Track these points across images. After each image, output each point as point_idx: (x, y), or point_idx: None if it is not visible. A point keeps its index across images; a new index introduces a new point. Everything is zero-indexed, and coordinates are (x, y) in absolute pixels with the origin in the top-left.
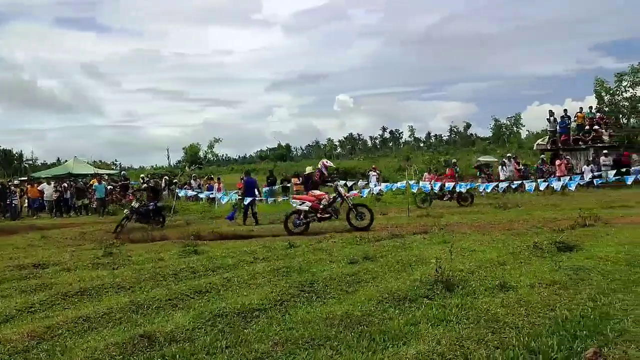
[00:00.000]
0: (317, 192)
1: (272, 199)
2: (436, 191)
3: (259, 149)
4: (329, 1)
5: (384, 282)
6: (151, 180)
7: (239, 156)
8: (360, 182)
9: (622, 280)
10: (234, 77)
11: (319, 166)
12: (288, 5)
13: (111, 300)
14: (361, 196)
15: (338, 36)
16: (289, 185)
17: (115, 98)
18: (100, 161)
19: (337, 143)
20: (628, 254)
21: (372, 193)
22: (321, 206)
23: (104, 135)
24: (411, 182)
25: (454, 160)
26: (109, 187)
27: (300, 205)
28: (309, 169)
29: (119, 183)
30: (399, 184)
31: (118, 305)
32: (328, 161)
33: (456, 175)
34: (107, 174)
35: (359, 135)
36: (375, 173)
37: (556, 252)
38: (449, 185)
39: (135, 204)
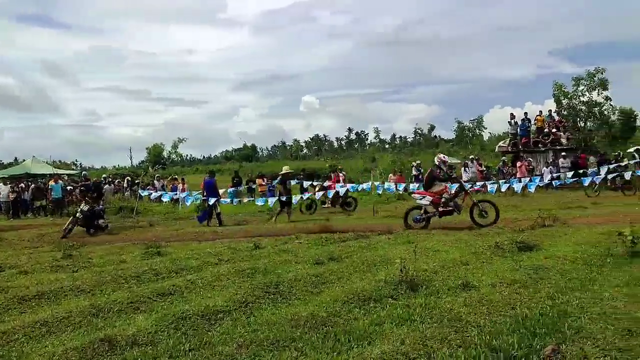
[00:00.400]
0: (436, 189)
1: (238, 199)
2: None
3: (224, 150)
4: (295, 2)
5: (349, 283)
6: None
7: (204, 156)
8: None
9: (579, 279)
10: (199, 77)
11: (436, 162)
12: (254, 5)
13: (70, 304)
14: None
15: (304, 37)
16: (254, 186)
17: (75, 97)
18: (60, 161)
19: (303, 144)
20: (585, 254)
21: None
22: (442, 200)
23: (64, 134)
24: (377, 183)
25: (340, 166)
26: (68, 187)
27: (420, 200)
28: (285, 169)
29: (80, 183)
30: (364, 185)
31: (78, 309)
32: (445, 156)
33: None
34: (67, 174)
35: (325, 136)
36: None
37: (517, 252)
38: (330, 191)
39: (84, 207)
